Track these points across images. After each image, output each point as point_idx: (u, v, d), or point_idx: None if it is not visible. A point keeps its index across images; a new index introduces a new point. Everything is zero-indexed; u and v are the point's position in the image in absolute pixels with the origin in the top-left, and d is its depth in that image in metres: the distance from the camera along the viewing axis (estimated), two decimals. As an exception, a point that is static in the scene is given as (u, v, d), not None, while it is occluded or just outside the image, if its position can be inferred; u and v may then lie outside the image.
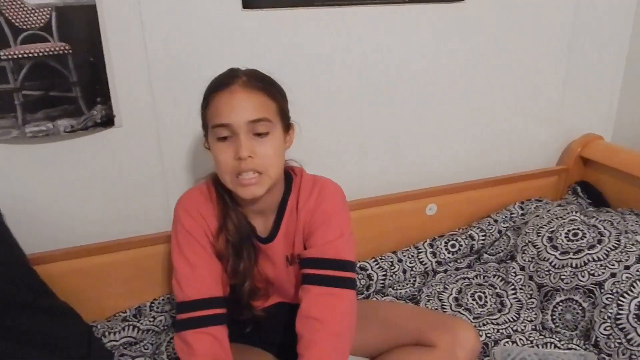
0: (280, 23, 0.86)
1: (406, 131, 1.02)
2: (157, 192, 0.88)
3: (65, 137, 0.79)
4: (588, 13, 1.10)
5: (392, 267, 0.98)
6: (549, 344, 0.81)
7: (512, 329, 0.85)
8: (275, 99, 0.64)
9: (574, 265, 0.88)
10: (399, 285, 0.97)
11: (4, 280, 0.71)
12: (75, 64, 0.75)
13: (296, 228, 0.68)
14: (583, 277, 0.86)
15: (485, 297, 0.92)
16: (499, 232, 1.07)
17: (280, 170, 0.65)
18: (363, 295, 0.95)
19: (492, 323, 0.85)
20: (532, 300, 0.91)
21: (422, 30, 0.96)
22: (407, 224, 1.03)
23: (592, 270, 0.85)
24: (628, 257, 0.85)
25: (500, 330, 0.84)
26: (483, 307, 0.90)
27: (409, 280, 0.99)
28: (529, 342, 0.82)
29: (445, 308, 0.90)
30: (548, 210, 1.04)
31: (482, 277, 0.97)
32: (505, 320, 0.86)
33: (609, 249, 0.88)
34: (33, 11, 0.71)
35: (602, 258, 0.87)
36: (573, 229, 0.94)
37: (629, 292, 0.79)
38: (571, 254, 0.90)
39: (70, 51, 0.74)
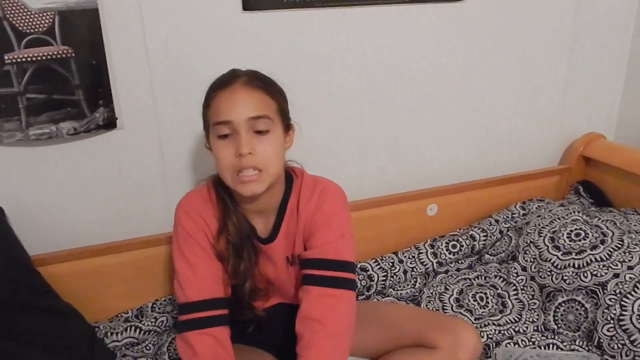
0: (281, 23, 0.86)
1: (406, 131, 1.02)
2: (158, 193, 0.89)
3: (68, 140, 0.80)
4: (589, 12, 1.09)
5: (393, 268, 0.98)
6: (551, 345, 0.80)
7: (513, 330, 0.84)
8: (275, 98, 0.65)
9: (576, 266, 0.87)
10: (400, 286, 0.97)
11: (6, 280, 0.71)
12: (77, 67, 0.76)
13: (297, 229, 0.68)
14: (586, 277, 0.85)
15: (487, 297, 0.91)
16: (501, 232, 1.06)
17: (280, 169, 0.65)
18: (364, 296, 0.95)
19: (494, 324, 0.85)
20: (534, 301, 0.90)
21: (422, 30, 0.97)
22: (407, 224, 1.03)
23: (594, 270, 0.85)
24: (631, 257, 0.84)
25: (502, 331, 0.84)
26: (484, 308, 0.90)
27: (410, 281, 0.98)
28: (531, 343, 0.81)
29: (446, 309, 0.89)
30: (550, 210, 1.03)
31: (483, 277, 0.97)
32: (506, 321, 0.86)
33: (611, 249, 0.87)
34: (36, 15, 0.73)
35: (605, 258, 0.86)
36: (575, 229, 0.93)
37: (633, 292, 0.78)
38: (573, 254, 0.89)
39: (73, 54, 0.75)
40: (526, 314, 0.88)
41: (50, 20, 0.73)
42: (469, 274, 0.98)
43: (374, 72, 0.96)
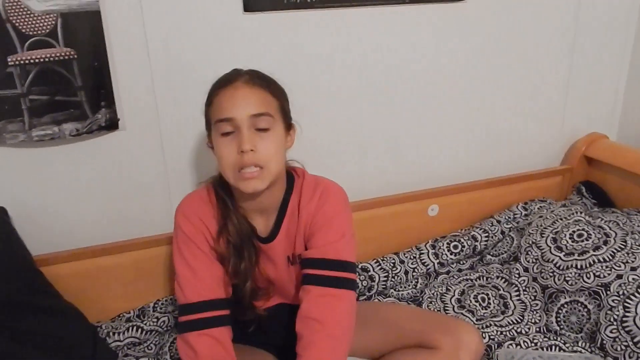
0: (281, 23, 0.87)
1: (406, 131, 1.02)
2: (160, 193, 0.89)
3: (70, 141, 0.81)
4: (590, 12, 1.09)
5: (394, 269, 0.98)
6: (553, 347, 0.80)
7: (515, 331, 0.84)
8: (277, 97, 0.65)
9: (579, 267, 0.87)
10: (401, 287, 0.97)
11: (8, 280, 0.72)
12: (80, 68, 0.77)
13: (297, 228, 0.68)
14: (588, 278, 0.84)
15: (489, 298, 0.91)
16: (502, 233, 1.06)
17: (281, 167, 0.66)
18: (365, 297, 0.95)
19: (496, 325, 0.84)
20: (537, 302, 0.90)
21: (422, 30, 0.97)
22: (409, 224, 1.03)
23: (597, 271, 0.84)
24: (635, 258, 0.83)
25: (504, 332, 0.83)
26: (486, 309, 0.89)
27: (411, 282, 0.98)
28: (533, 344, 0.81)
29: (447, 310, 0.89)
30: (552, 211, 1.03)
31: (485, 278, 0.97)
32: (508, 322, 0.85)
33: (614, 250, 0.86)
34: (39, 18, 0.73)
35: (607, 259, 0.85)
36: (578, 229, 0.93)
37: (636, 294, 0.78)
38: (576, 255, 0.89)
39: (75, 56, 0.76)
40: (528, 315, 0.87)
41: (53, 22, 0.74)
42: (470, 275, 0.98)
43: (374, 72, 0.96)
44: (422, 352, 0.69)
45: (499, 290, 0.93)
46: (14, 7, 0.72)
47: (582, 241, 0.90)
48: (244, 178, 0.62)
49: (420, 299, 0.93)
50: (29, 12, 0.73)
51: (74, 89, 0.77)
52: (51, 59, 0.75)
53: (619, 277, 0.82)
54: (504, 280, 0.96)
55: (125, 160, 0.85)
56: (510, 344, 0.80)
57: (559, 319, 0.85)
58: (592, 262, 0.86)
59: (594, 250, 0.87)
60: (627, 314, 0.77)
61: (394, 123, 1.01)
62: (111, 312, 0.87)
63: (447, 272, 1.01)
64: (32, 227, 0.82)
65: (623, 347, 0.75)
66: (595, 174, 1.16)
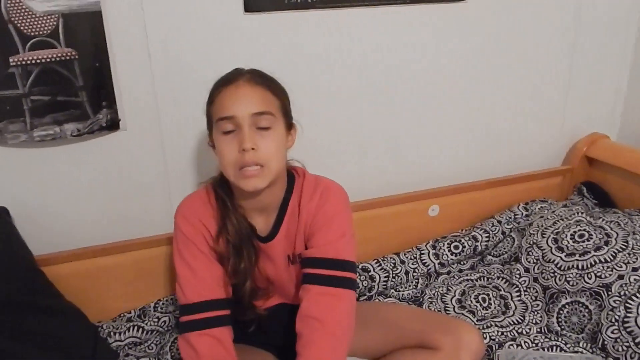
0: (280, 23, 0.87)
1: (406, 131, 1.02)
2: (160, 193, 0.89)
3: (71, 141, 0.81)
4: (591, 11, 1.09)
5: (395, 269, 0.98)
6: (554, 347, 0.80)
7: (516, 331, 0.84)
8: (278, 96, 0.66)
9: (580, 267, 0.86)
10: (402, 287, 0.97)
11: (9, 280, 0.72)
12: (81, 69, 0.77)
13: (297, 228, 0.69)
14: (589, 279, 0.84)
15: (489, 299, 0.91)
16: (503, 233, 1.06)
17: (281, 166, 0.66)
18: (365, 297, 0.94)
19: (496, 325, 0.84)
20: (537, 302, 0.90)
21: (422, 30, 0.97)
22: (409, 225, 1.03)
23: (598, 272, 0.84)
24: (636, 258, 0.83)
25: (505, 333, 0.83)
26: (487, 309, 0.89)
27: (412, 282, 0.98)
28: (534, 345, 0.80)
29: (448, 310, 0.89)
30: (553, 211, 1.03)
31: (485, 279, 0.96)
32: (509, 323, 0.85)
33: (616, 251, 0.86)
34: (41, 18, 0.73)
35: (609, 260, 0.85)
36: (579, 230, 0.92)
37: (637, 294, 0.78)
38: (577, 255, 0.88)
39: (77, 57, 0.76)
40: (529, 316, 0.87)
41: (54, 23, 0.74)
42: (471, 275, 0.98)
43: (374, 72, 0.96)
44: (422, 353, 0.69)
45: (499, 290, 0.93)
46: (15, 8, 0.72)
47: (584, 242, 0.90)
48: (245, 176, 0.62)
49: (421, 300, 0.92)
50: (30, 12, 0.73)
51: (75, 89, 0.78)
52: (52, 59, 0.75)
53: (621, 277, 0.81)
54: (504, 280, 0.96)
55: (126, 161, 0.86)
56: (511, 345, 0.80)
57: (560, 320, 0.85)
58: (593, 263, 0.86)
59: (595, 251, 0.87)
60: (628, 315, 0.77)
61: (394, 123, 1.01)
62: (112, 312, 0.87)
63: (448, 273, 1.01)
64: (33, 227, 0.82)
65: (624, 348, 0.75)
66: (597, 174, 1.15)
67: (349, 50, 0.93)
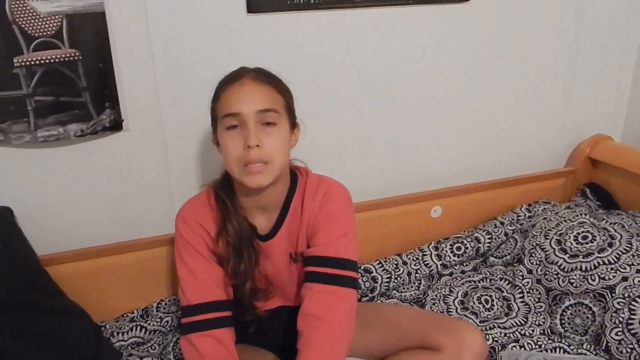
0: (280, 23, 0.87)
1: (406, 131, 1.02)
2: (162, 194, 0.89)
3: (75, 141, 0.81)
4: (593, 12, 1.08)
5: (397, 270, 0.98)
6: (558, 349, 0.79)
7: (519, 333, 0.83)
8: (283, 94, 0.66)
9: (583, 269, 0.86)
10: (404, 288, 0.97)
11: (13, 280, 0.72)
12: (84, 69, 0.77)
13: (300, 227, 0.69)
14: (593, 280, 0.84)
15: (492, 300, 0.91)
16: (506, 234, 1.05)
17: (285, 163, 0.66)
18: (367, 298, 0.94)
19: (499, 327, 0.84)
20: (540, 304, 0.89)
21: (422, 30, 0.96)
22: (411, 226, 1.02)
23: (602, 274, 0.84)
24: (640, 260, 0.83)
25: (508, 334, 0.83)
26: (490, 311, 0.89)
27: (414, 283, 0.98)
28: (537, 346, 0.80)
29: (450, 311, 0.89)
30: (556, 213, 1.02)
31: (488, 280, 0.96)
32: (512, 324, 0.85)
33: (620, 252, 0.86)
34: (45, 19, 0.74)
35: (613, 261, 0.85)
36: (582, 231, 0.92)
37: (641, 296, 0.77)
38: (580, 257, 0.88)
39: (80, 57, 0.76)
40: (532, 317, 0.87)
41: (58, 23, 0.74)
42: (473, 277, 0.97)
43: (374, 72, 0.96)
44: (425, 354, 0.69)
45: (502, 292, 0.93)
46: (20, 9, 0.72)
47: (587, 243, 0.90)
48: (249, 172, 0.62)
49: (423, 301, 0.92)
50: (34, 13, 0.73)
51: (79, 89, 0.78)
52: (56, 60, 0.75)
53: (625, 279, 0.81)
54: (507, 282, 0.95)
55: (129, 161, 0.86)
56: (514, 346, 0.80)
57: (563, 321, 0.85)
58: (597, 264, 0.85)
59: (598, 253, 0.87)
60: (632, 317, 0.76)
61: (394, 123, 1.01)
62: (115, 311, 0.87)
63: (450, 274, 1.00)
64: (36, 227, 0.82)
65: (629, 350, 0.75)
66: (600, 175, 1.15)
67: (349, 50, 0.93)
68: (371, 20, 0.92)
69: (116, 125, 0.82)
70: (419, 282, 0.98)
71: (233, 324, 0.67)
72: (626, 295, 0.79)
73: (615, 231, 0.91)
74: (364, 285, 0.95)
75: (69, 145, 0.81)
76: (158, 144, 0.87)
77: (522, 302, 0.90)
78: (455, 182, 1.07)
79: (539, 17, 1.04)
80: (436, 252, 1.01)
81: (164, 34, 0.81)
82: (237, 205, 0.68)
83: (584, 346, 0.80)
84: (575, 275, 0.86)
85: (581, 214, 0.98)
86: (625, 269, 0.83)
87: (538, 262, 0.93)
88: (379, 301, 0.93)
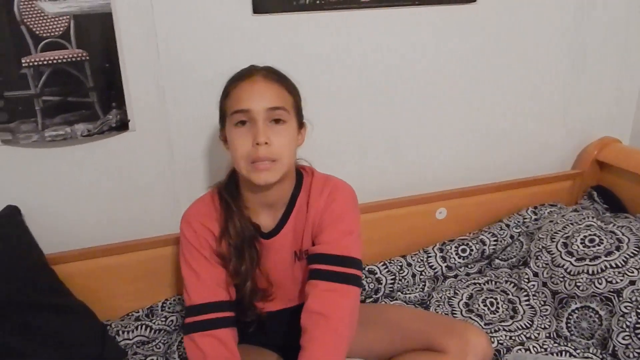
0: (281, 23, 0.87)
1: (406, 131, 1.02)
2: (168, 193, 0.90)
3: (82, 141, 0.82)
4: (593, 12, 1.07)
5: (401, 271, 0.97)
6: (564, 352, 0.79)
7: (525, 336, 0.83)
8: (292, 93, 0.67)
9: (590, 272, 0.85)
10: (408, 290, 0.96)
11: (20, 279, 0.73)
12: (91, 70, 0.78)
13: (305, 225, 0.69)
14: (600, 284, 0.83)
15: (497, 303, 0.90)
16: (511, 237, 1.05)
17: (292, 162, 0.67)
18: (371, 299, 0.94)
19: (504, 330, 0.83)
20: (546, 307, 0.89)
21: (422, 30, 0.96)
22: (416, 227, 1.02)
23: (609, 277, 0.83)
24: (648, 264, 0.82)
25: (513, 337, 0.82)
26: (495, 313, 0.88)
27: (419, 285, 0.97)
28: (543, 349, 0.79)
29: (455, 313, 0.88)
30: (563, 216, 1.01)
31: (493, 282, 0.96)
32: (517, 327, 0.84)
33: (627, 256, 0.85)
34: (52, 20, 0.74)
35: (620, 265, 0.84)
36: (589, 234, 0.91)
37: (649, 300, 0.77)
38: (587, 260, 0.87)
39: (87, 58, 0.77)
40: (538, 320, 0.86)
41: (66, 24, 0.75)
42: (478, 279, 0.97)
43: (374, 72, 0.95)
44: (428, 355, 0.69)
45: (507, 294, 0.92)
46: (28, 10, 0.73)
47: (594, 246, 0.89)
48: (257, 170, 0.63)
49: (428, 303, 0.92)
50: (42, 14, 0.74)
51: (86, 90, 0.78)
52: (64, 60, 0.76)
53: (632, 283, 0.80)
54: (512, 284, 0.95)
55: (135, 161, 0.86)
56: (519, 349, 0.79)
57: (569, 325, 0.84)
58: (603, 268, 0.85)
59: (605, 256, 0.86)
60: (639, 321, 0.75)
61: (394, 123, 1.00)
62: (120, 310, 0.88)
63: (455, 276, 1.00)
64: (44, 226, 0.83)
65: (636, 354, 0.74)
66: (608, 178, 1.14)
67: (349, 50, 0.92)
68: (371, 21, 0.92)
69: (122, 125, 0.83)
70: (423, 283, 0.98)
71: (236, 324, 0.68)
72: (633, 299, 0.78)
73: (623, 234, 0.90)
74: (368, 286, 0.94)
75: (76, 145, 0.82)
76: (164, 143, 0.87)
77: (527, 305, 0.90)
78: (456, 182, 1.07)
79: (539, 17, 1.03)
80: (441, 254, 1.01)
81: (171, 36, 0.82)
82: (240, 206, 0.68)
83: (590, 350, 0.79)
84: (582, 278, 0.85)
85: (588, 217, 0.97)
86: (632, 272, 0.82)
87: (544, 265, 0.93)
88: (383, 302, 0.93)
